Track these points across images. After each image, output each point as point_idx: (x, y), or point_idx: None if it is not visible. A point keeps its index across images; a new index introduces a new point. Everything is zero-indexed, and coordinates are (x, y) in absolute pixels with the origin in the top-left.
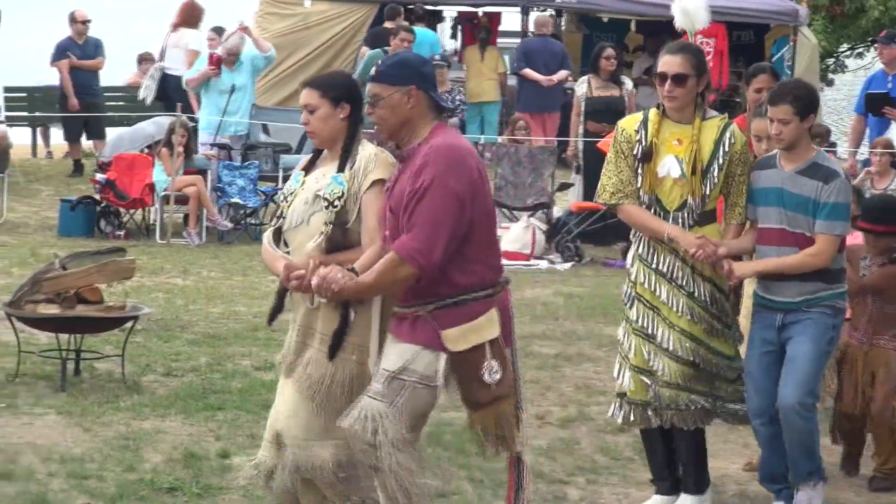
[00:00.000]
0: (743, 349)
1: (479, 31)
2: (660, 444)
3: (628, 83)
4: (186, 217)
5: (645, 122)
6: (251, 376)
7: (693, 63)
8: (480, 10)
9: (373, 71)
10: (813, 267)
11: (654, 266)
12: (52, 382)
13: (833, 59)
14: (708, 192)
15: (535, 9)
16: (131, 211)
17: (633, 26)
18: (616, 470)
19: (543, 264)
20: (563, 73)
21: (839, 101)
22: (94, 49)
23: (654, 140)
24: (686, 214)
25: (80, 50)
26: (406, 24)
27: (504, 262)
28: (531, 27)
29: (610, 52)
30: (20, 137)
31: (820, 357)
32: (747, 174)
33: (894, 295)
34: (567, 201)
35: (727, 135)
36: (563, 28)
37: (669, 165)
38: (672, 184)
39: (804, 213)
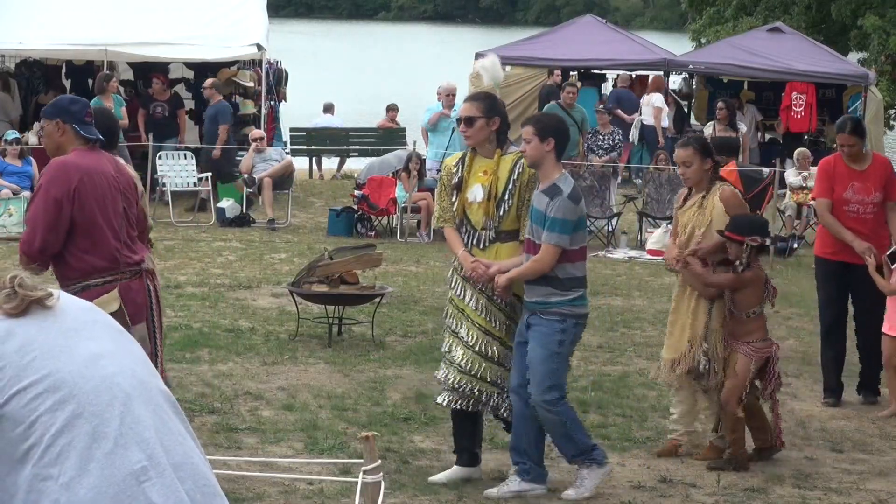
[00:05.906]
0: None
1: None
2: (466, 423)
3: (742, 127)
4: (419, 222)
5: (463, 159)
6: None
7: (481, 107)
8: (633, 73)
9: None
10: (536, 272)
11: (463, 274)
12: (322, 341)
13: (894, 110)
14: (501, 214)
15: (675, 72)
16: (380, 217)
17: (745, 85)
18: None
19: None
20: (637, 116)
21: None
22: None
23: (466, 173)
24: (488, 231)
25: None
26: (577, 83)
27: (649, 258)
28: (672, 85)
29: (721, 104)
30: (300, 164)
31: (550, 358)
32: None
33: (743, 302)
34: None
35: (518, 167)
36: (694, 87)
37: (476, 192)
38: (478, 207)
39: (540, 226)
